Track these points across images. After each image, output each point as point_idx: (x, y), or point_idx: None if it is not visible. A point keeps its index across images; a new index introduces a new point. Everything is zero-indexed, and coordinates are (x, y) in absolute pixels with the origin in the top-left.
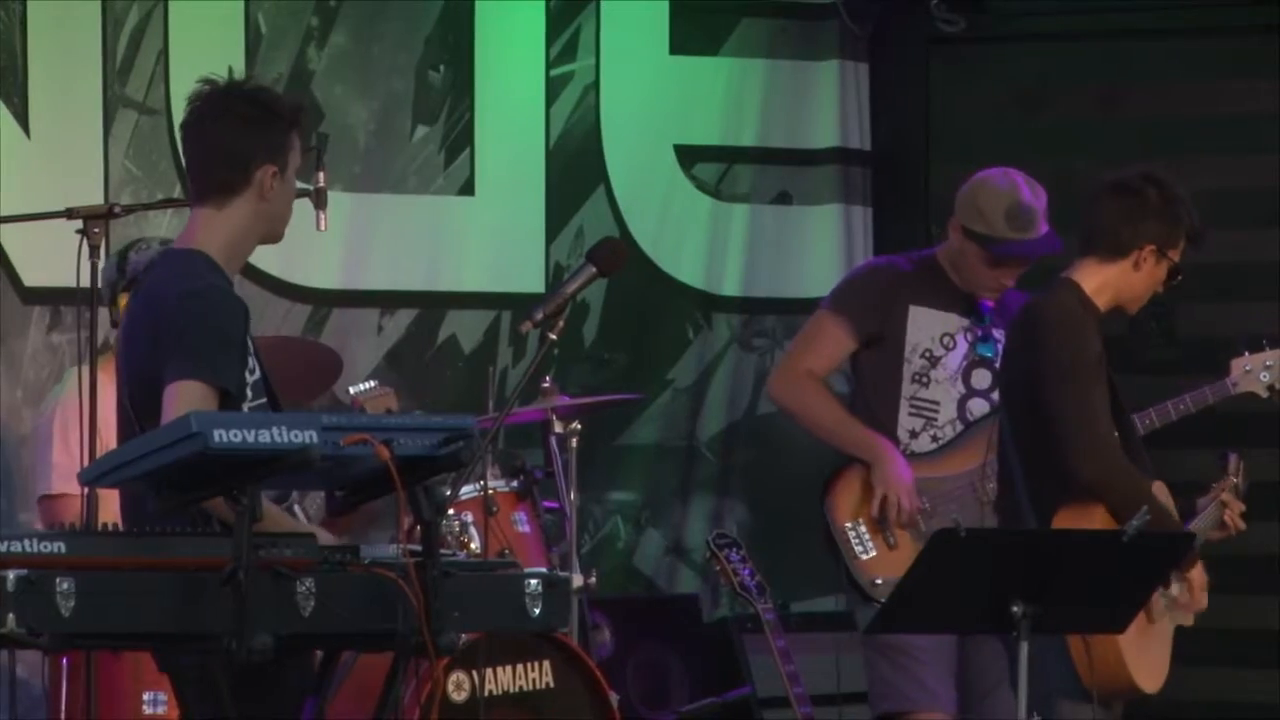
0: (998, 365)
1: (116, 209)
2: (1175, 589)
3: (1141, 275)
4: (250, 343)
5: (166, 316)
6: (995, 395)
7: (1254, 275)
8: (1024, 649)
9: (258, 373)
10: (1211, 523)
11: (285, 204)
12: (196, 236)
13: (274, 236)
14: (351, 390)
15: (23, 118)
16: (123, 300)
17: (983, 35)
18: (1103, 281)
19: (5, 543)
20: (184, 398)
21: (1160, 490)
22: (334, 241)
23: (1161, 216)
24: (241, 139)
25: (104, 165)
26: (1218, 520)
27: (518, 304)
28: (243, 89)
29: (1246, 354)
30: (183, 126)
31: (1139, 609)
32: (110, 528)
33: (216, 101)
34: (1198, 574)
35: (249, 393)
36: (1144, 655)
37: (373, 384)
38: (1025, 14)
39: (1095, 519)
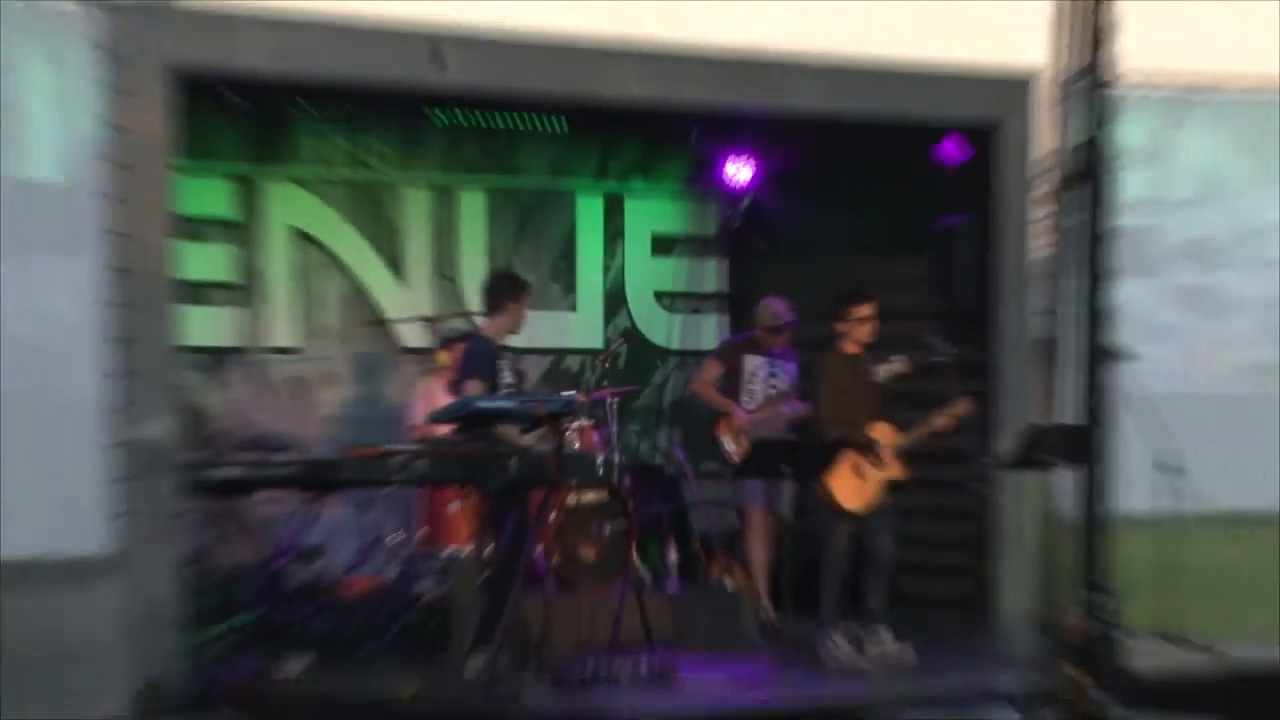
0: (779, 376)
1: (443, 317)
2: (879, 460)
3: None
4: (506, 367)
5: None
6: (775, 389)
7: None
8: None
9: (510, 384)
10: (920, 434)
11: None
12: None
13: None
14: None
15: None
16: (439, 353)
17: None
18: None
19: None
20: (469, 389)
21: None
22: None
23: None
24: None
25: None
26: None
27: None
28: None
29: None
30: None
31: (824, 471)
32: (452, 438)
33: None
34: (882, 452)
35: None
36: (848, 489)
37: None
38: None
39: None
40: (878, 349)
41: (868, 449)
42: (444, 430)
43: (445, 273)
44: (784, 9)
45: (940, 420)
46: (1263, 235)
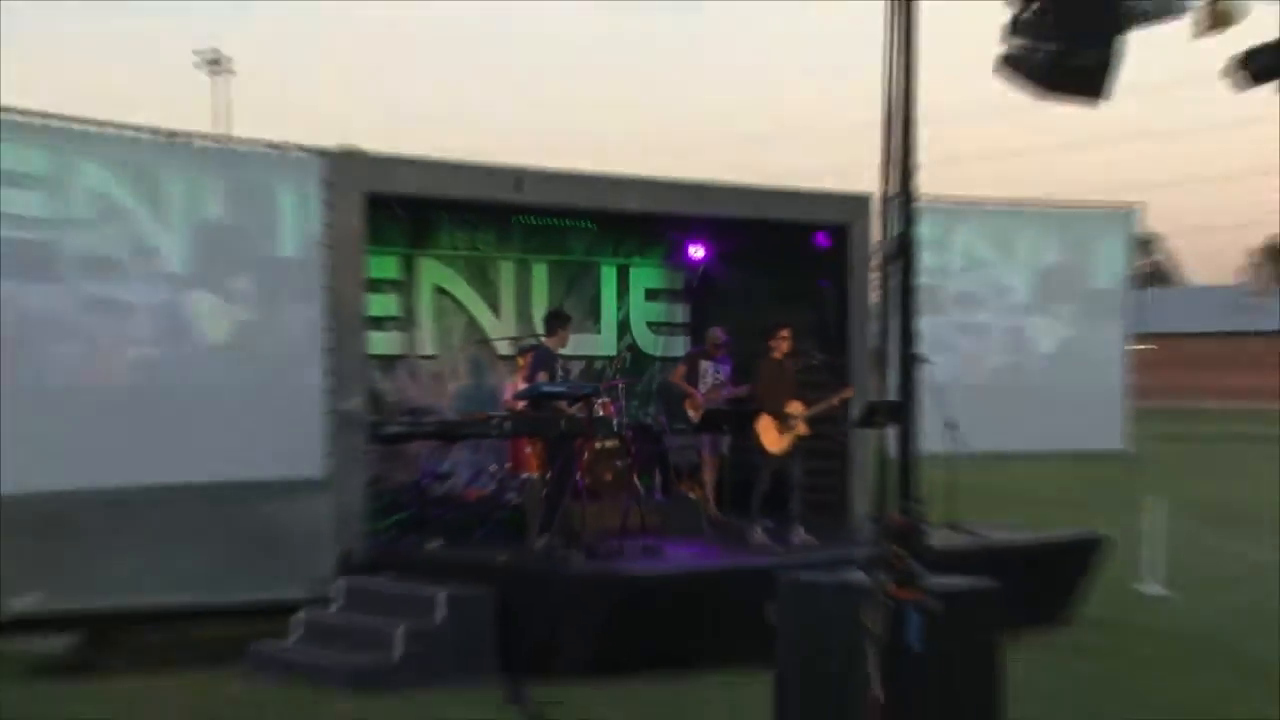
0: (720, 373)
1: (522, 337)
2: (793, 423)
3: None
4: (559, 366)
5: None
6: (717, 381)
7: None
8: (726, 440)
9: (561, 376)
10: (820, 410)
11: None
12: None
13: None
14: None
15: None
16: (519, 359)
17: None
18: None
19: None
20: (537, 379)
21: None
22: None
23: None
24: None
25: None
26: (823, 410)
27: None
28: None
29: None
30: None
31: (748, 430)
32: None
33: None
34: (796, 419)
35: (558, 379)
36: (771, 439)
37: None
38: None
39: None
40: (789, 356)
41: (782, 417)
42: (522, 404)
43: (523, 312)
44: (719, 164)
45: (834, 401)
46: None
